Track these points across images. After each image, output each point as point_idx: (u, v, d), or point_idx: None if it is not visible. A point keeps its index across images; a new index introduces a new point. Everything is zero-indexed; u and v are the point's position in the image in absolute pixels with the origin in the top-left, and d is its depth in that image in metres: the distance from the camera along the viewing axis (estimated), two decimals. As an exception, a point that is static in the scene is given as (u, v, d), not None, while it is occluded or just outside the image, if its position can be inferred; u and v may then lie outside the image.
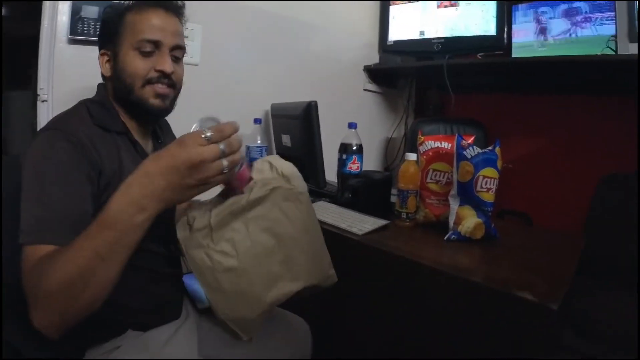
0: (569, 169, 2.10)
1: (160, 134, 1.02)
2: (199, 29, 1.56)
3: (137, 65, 0.86)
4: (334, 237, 1.12)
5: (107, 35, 0.89)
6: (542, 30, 1.88)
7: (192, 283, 0.97)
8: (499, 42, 1.91)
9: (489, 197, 1.07)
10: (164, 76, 0.88)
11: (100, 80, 0.93)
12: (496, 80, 2.23)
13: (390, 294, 1.05)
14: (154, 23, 0.87)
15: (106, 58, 0.89)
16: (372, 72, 2.26)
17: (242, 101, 1.76)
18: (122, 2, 0.89)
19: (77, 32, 1.26)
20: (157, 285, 0.90)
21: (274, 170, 0.86)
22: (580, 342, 1.66)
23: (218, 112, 0.74)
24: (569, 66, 1.76)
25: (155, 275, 0.89)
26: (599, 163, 1.98)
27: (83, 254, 0.61)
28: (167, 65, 0.87)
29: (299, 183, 0.88)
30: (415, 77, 2.48)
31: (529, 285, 0.83)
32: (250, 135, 1.65)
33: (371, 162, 2.41)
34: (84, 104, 0.86)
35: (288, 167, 0.88)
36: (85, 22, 1.27)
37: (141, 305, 0.86)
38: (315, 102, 1.42)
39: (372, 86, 2.31)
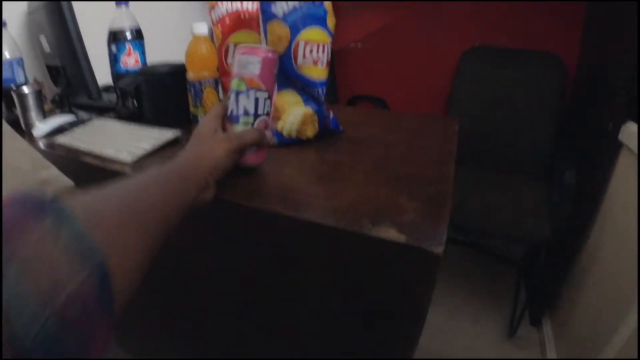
0: (427, 46, 1.83)
1: None
2: None
3: None
4: (99, 173, 0.69)
5: None
6: None
7: None
8: None
9: (318, 72, 0.70)
10: None
11: None
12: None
13: (186, 247, 0.67)
14: None
15: None
16: None
17: None
18: None
19: None
20: None
21: None
22: (458, 234, 1.51)
23: None
24: None
25: None
26: (461, 37, 1.74)
27: None
28: None
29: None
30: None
31: (392, 213, 0.50)
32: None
33: (177, 54, 1.76)
34: None
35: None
36: None
37: None
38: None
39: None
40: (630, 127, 1.08)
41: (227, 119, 0.57)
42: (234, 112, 0.56)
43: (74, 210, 0.30)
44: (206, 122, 0.56)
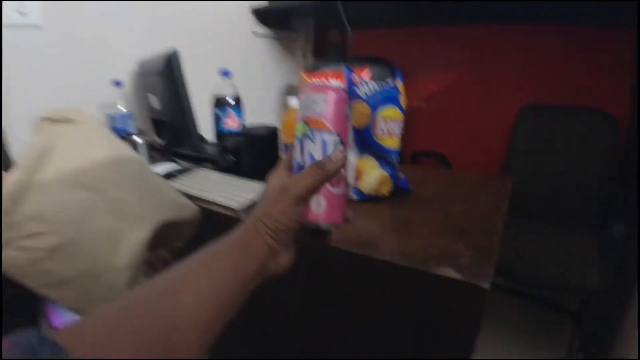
0: (485, 104, 1.96)
1: None
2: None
3: None
4: (210, 216, 0.86)
5: None
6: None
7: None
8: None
9: (392, 143, 0.85)
10: None
11: None
12: (403, 13, 1.99)
13: (284, 280, 0.82)
14: None
15: None
16: (262, 14, 1.93)
17: (101, 63, 1.37)
18: None
19: None
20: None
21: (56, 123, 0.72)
22: (511, 283, 1.58)
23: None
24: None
25: None
26: (516, 96, 1.86)
27: None
28: None
29: (83, 117, 0.77)
30: (312, 16, 2.18)
31: (450, 257, 0.63)
32: (111, 101, 1.32)
33: (267, 116, 2.11)
34: None
35: (70, 110, 0.77)
36: None
37: None
38: (176, 51, 1.10)
39: (262, 30, 1.98)
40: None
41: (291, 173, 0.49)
42: (299, 162, 0.47)
43: (72, 346, 0.29)
44: (270, 180, 0.49)
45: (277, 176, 0.48)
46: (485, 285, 0.56)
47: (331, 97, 0.46)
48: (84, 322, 0.33)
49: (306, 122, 0.47)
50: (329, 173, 0.45)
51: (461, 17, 1.90)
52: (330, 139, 0.46)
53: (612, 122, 1.69)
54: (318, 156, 0.46)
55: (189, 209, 0.80)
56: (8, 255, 0.60)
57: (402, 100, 0.85)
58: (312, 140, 0.46)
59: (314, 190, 0.45)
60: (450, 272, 0.59)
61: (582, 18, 1.68)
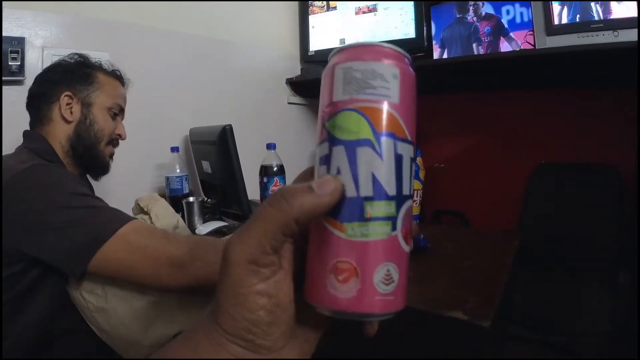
0: (500, 164, 2.11)
1: None
2: (106, 56, 1.38)
3: (109, 124, 0.99)
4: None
5: (79, 82, 0.94)
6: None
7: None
8: (419, 44, 1.88)
9: (413, 210, 1.02)
10: (117, 141, 1.06)
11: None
12: (421, 83, 2.21)
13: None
14: (121, 92, 1.05)
15: (71, 101, 0.93)
16: (295, 85, 2.17)
17: (160, 130, 1.61)
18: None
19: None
20: None
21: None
22: (526, 332, 1.67)
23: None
24: (492, 63, 1.74)
25: None
26: (529, 156, 2.01)
27: None
28: (124, 132, 1.07)
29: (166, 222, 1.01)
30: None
31: (460, 303, 0.78)
32: (169, 164, 1.53)
33: None
34: (33, 151, 0.86)
35: (160, 207, 1.04)
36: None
37: None
38: (230, 126, 1.32)
39: (296, 99, 2.22)
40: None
41: (328, 220, 0.26)
42: (352, 195, 0.26)
43: None
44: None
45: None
46: (485, 323, 0.71)
47: (405, 71, 0.28)
48: None
49: (363, 112, 0.26)
50: (325, 203, 0.25)
51: (475, 86, 2.11)
52: (407, 150, 0.27)
53: (618, 177, 1.79)
54: (387, 181, 0.26)
55: None
56: (74, 295, 0.81)
57: (421, 174, 1.02)
58: (377, 154, 0.26)
59: (312, 216, 0.26)
60: (459, 314, 0.75)
61: (588, 83, 1.85)
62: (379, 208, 0.26)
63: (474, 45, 1.84)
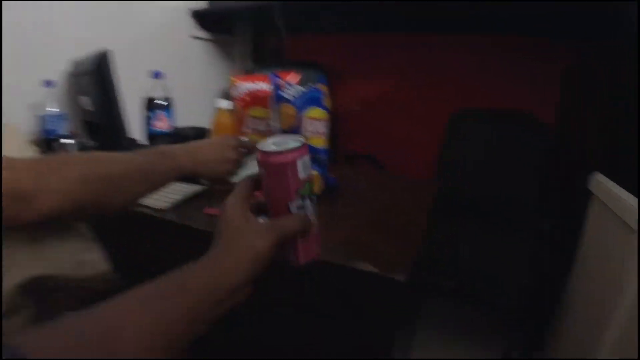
0: (417, 109, 2.06)
1: None
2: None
3: None
4: (142, 221, 0.86)
5: None
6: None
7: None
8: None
9: (319, 142, 0.89)
10: None
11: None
12: (341, 19, 2.04)
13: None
14: None
15: None
16: (201, 17, 1.93)
17: (31, 63, 1.32)
18: None
19: None
20: None
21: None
22: (447, 280, 1.64)
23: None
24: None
25: None
26: (448, 101, 1.94)
27: None
28: None
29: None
30: (250, 20, 2.19)
31: (372, 252, 0.67)
32: (42, 102, 1.29)
33: (202, 118, 2.04)
34: None
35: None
36: None
37: None
38: (106, 51, 1.10)
39: (201, 33, 1.98)
40: (599, 178, 1.23)
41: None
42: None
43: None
44: (233, 206, 0.46)
45: (240, 205, 0.46)
46: (401, 277, 0.59)
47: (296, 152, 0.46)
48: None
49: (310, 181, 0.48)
50: (310, 229, 0.48)
51: (396, 26, 1.98)
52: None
53: (539, 124, 1.78)
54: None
55: (93, 269, 0.64)
56: None
57: (326, 101, 0.88)
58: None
59: (295, 236, 0.47)
60: (367, 266, 0.62)
61: (515, 29, 1.79)
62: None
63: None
